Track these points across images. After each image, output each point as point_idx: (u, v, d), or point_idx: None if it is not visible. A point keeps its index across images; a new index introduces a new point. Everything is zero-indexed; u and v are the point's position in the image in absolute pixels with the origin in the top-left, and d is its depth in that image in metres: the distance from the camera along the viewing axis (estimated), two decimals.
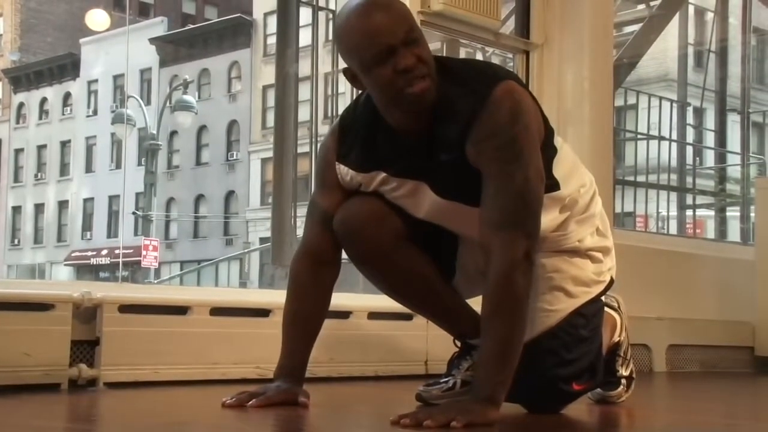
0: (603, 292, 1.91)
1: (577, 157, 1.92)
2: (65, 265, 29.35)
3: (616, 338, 2.07)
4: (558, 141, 1.85)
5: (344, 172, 1.84)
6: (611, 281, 1.92)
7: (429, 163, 1.75)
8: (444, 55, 2.05)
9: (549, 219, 1.80)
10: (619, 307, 2.10)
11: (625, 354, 2.10)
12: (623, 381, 2.09)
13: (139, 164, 24.80)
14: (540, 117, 1.75)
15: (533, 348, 1.76)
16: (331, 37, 2.02)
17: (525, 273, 1.63)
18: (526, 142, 1.67)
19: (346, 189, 1.85)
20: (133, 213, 24.40)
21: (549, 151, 1.78)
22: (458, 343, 1.98)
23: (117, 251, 23.94)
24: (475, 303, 1.84)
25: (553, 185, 1.79)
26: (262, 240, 22.78)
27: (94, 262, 28.52)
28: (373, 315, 2.73)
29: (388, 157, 1.79)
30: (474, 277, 1.86)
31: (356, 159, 1.82)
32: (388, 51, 1.67)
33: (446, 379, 1.95)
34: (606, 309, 2.02)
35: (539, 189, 1.68)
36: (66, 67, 30.17)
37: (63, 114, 30.56)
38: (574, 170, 1.87)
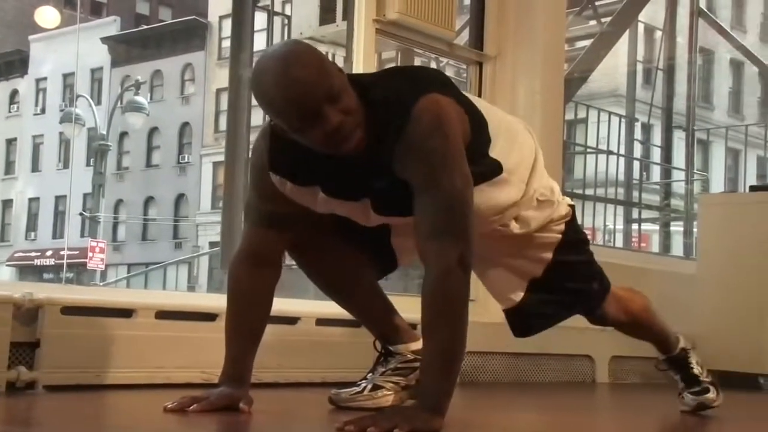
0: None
1: (513, 125, 1.96)
2: (7, 265, 28.67)
3: (683, 344, 2.31)
4: (494, 125, 1.86)
5: (279, 181, 1.81)
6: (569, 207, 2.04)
7: (366, 186, 1.77)
8: (370, 72, 2.07)
9: (503, 197, 1.85)
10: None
11: (698, 363, 2.33)
12: (711, 387, 2.30)
13: (88, 165, 24.41)
14: (466, 120, 1.76)
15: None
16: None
17: (460, 279, 1.65)
18: (448, 149, 1.68)
19: (284, 195, 1.83)
20: (81, 214, 23.98)
21: (483, 143, 1.81)
22: (378, 347, 2.08)
23: (62, 252, 23.51)
24: (404, 309, 1.86)
25: (494, 170, 1.83)
26: (212, 244, 22.56)
27: (38, 263, 27.94)
28: (322, 321, 2.73)
29: (325, 175, 1.78)
30: (410, 246, 1.91)
31: (290, 170, 1.80)
32: (313, 114, 1.64)
33: (359, 383, 2.05)
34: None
35: (467, 194, 1.70)
36: (14, 64, 29.58)
37: (9, 111, 29.93)
38: (510, 149, 1.89)
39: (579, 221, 2.11)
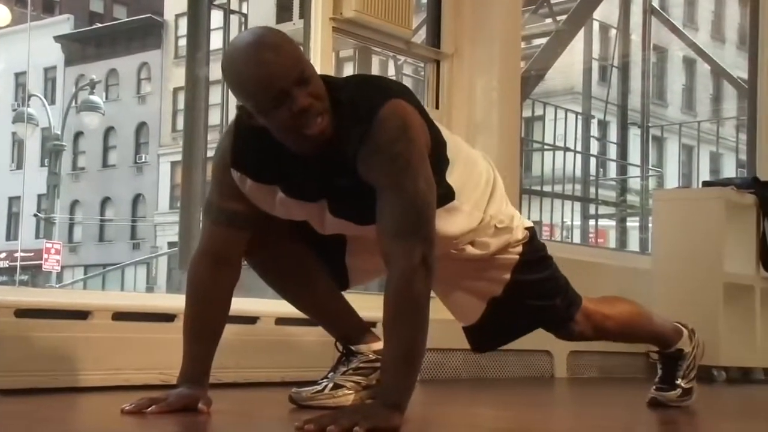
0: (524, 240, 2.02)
1: (472, 154, 1.97)
2: None
3: (680, 346, 2.30)
4: (452, 150, 1.87)
5: (239, 179, 1.82)
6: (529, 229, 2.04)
7: (326, 186, 1.78)
8: (332, 75, 2.09)
9: (454, 227, 1.85)
10: (692, 330, 2.33)
11: (689, 369, 2.32)
12: (679, 390, 2.30)
13: (42, 165, 24.00)
14: (427, 131, 1.78)
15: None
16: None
17: (423, 278, 1.67)
18: (413, 153, 1.70)
19: (245, 194, 1.83)
20: (35, 215, 23.57)
21: (441, 164, 1.82)
22: (340, 347, 2.08)
23: (16, 254, 23.08)
24: (363, 307, 1.88)
25: (447, 195, 1.83)
26: (170, 244, 22.33)
27: None
28: (281, 321, 2.72)
29: (285, 174, 1.79)
30: (363, 267, 1.97)
31: (252, 168, 1.81)
32: (283, 94, 1.67)
33: (320, 382, 2.05)
34: (678, 323, 2.32)
35: (430, 197, 1.72)
36: None
37: None
38: (469, 176, 1.91)
39: (539, 238, 2.09)
